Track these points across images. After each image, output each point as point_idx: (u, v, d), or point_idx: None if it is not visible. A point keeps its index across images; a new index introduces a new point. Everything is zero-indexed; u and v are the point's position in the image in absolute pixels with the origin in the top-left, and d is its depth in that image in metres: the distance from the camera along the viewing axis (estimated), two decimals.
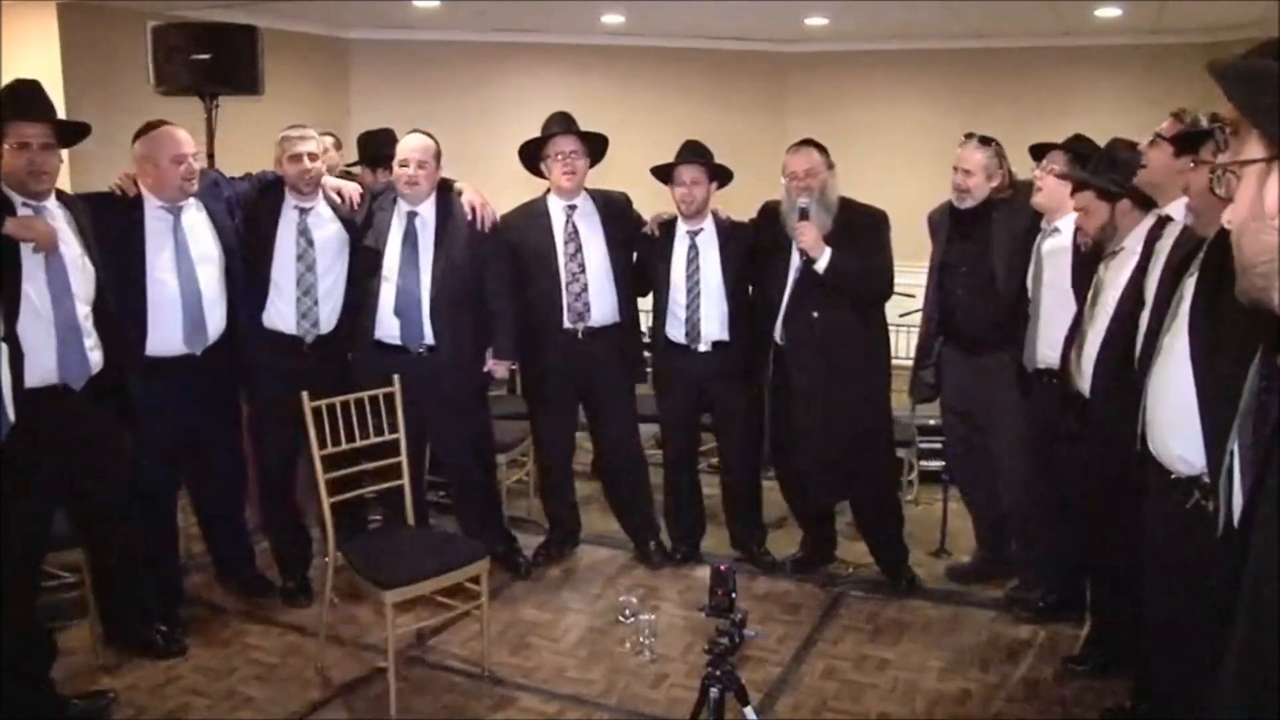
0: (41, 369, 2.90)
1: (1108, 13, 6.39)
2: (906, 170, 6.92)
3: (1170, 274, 2.49)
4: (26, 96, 2.97)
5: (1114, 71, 7.34)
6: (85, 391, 3.03)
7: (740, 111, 7.82)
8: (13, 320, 2.77)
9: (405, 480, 3.48)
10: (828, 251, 3.69)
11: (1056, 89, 7.37)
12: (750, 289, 4.04)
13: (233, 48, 4.84)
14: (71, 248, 3.02)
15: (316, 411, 3.27)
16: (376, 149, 4.73)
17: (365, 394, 3.42)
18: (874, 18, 6.93)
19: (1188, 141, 2.52)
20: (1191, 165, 2.43)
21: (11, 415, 2.71)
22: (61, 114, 3.42)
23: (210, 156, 4.65)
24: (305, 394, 3.27)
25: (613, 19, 7.06)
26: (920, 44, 7.70)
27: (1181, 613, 2.31)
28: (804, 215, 3.71)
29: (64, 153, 3.10)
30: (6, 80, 3.11)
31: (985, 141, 3.68)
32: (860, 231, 3.78)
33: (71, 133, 3.10)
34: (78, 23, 5.70)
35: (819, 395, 3.77)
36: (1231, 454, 1.87)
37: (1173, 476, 2.35)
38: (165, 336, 3.38)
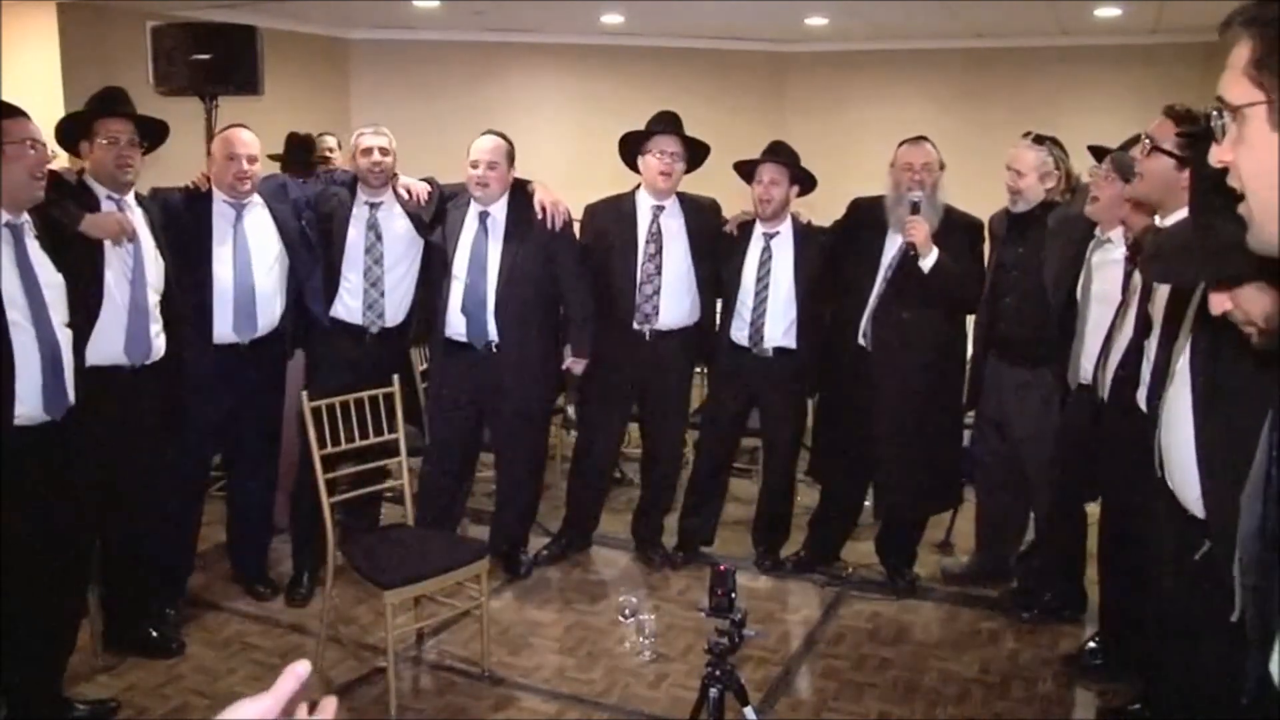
0: (110, 350, 3.10)
1: (1107, 13, 6.39)
2: None
3: (1178, 292, 2.31)
4: (114, 98, 3.27)
5: (1113, 71, 7.35)
6: (143, 376, 3.20)
7: (740, 111, 7.82)
8: (81, 308, 2.92)
9: (405, 480, 3.48)
10: (935, 250, 3.58)
11: (1056, 89, 7.37)
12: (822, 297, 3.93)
13: (233, 48, 4.85)
14: (146, 240, 3.24)
15: (316, 411, 3.28)
16: (299, 154, 4.78)
17: (365, 394, 3.42)
18: (874, 18, 6.93)
19: (1193, 147, 2.27)
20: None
21: (71, 397, 2.79)
22: (61, 114, 3.57)
23: (209, 157, 4.64)
24: (305, 394, 3.29)
25: (612, 19, 7.06)
26: (920, 44, 7.70)
27: (1192, 624, 2.25)
28: (915, 209, 3.59)
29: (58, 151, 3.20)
30: (7, 80, 3.20)
31: (1040, 140, 3.54)
32: (958, 239, 3.69)
33: (154, 130, 3.33)
34: (78, 23, 5.70)
35: (909, 401, 3.68)
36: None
37: (1187, 515, 2.18)
38: (218, 325, 3.53)
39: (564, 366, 4.00)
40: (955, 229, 3.71)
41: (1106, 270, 3.20)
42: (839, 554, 4.19)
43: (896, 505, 3.94)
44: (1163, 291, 2.38)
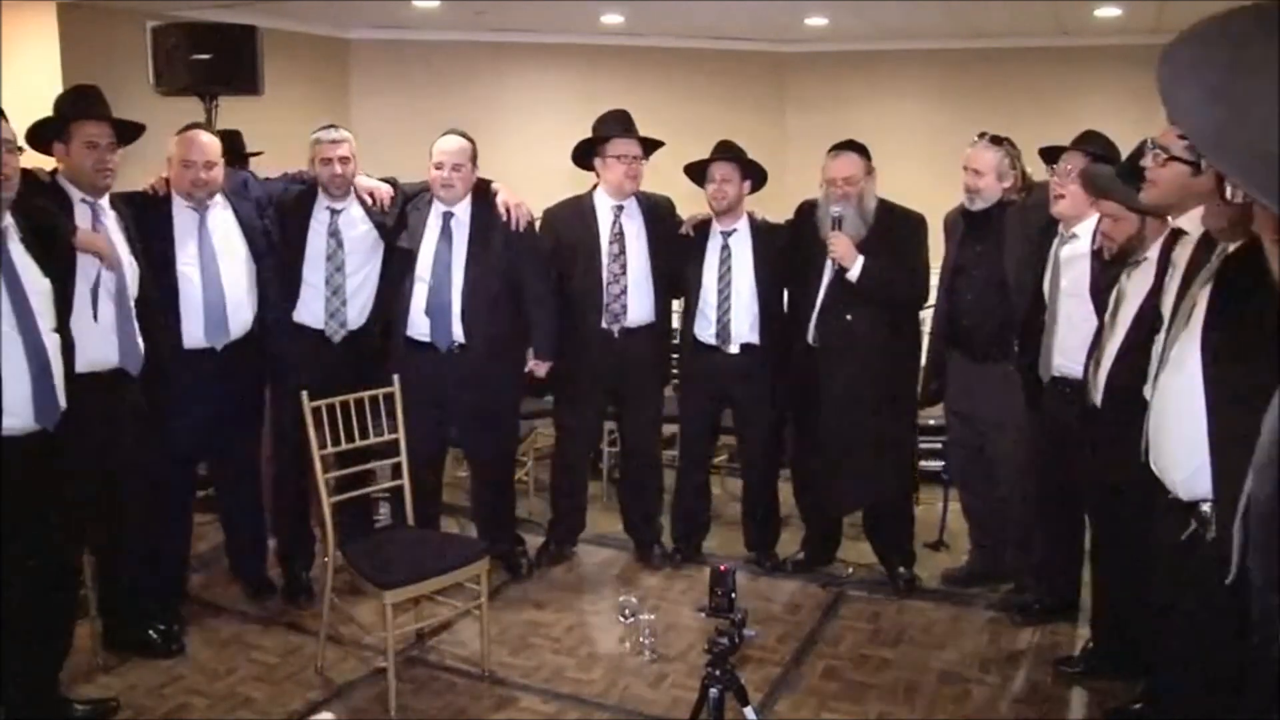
0: (101, 355, 3.07)
1: (1107, 13, 6.39)
2: (906, 170, 6.87)
3: (1185, 283, 2.33)
4: (90, 99, 3.19)
5: (1114, 71, 7.33)
6: (124, 381, 3.17)
7: (740, 111, 7.81)
8: (66, 315, 2.88)
9: (405, 480, 3.48)
10: (860, 261, 3.67)
11: (1056, 89, 7.36)
12: (784, 292, 4.01)
13: (233, 48, 4.85)
14: (122, 246, 3.20)
15: (316, 411, 3.28)
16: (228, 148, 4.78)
17: (365, 394, 3.42)
18: (874, 18, 6.92)
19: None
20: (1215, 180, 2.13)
21: (63, 402, 2.76)
22: None
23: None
24: (304, 393, 3.28)
25: (612, 19, 7.06)
26: (920, 44, 7.69)
27: (1182, 636, 2.28)
28: (837, 224, 3.69)
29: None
30: (7, 80, 3.17)
31: (997, 141, 3.61)
32: (897, 235, 3.75)
33: (129, 132, 3.25)
34: (78, 23, 5.70)
35: (849, 398, 3.74)
36: (1247, 499, 1.77)
37: (1170, 496, 2.26)
38: (187, 330, 3.47)
39: (526, 369, 3.99)
40: (894, 226, 3.78)
41: (1074, 264, 3.27)
42: (839, 554, 4.19)
43: (837, 498, 3.98)
44: (1172, 288, 2.41)
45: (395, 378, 3.47)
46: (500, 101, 7.53)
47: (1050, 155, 3.42)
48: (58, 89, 5.51)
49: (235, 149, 4.51)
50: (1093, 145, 3.29)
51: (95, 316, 3.05)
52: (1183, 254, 2.45)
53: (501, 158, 6.26)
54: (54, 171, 3.18)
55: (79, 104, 3.17)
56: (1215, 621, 2.08)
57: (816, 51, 8.01)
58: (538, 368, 3.99)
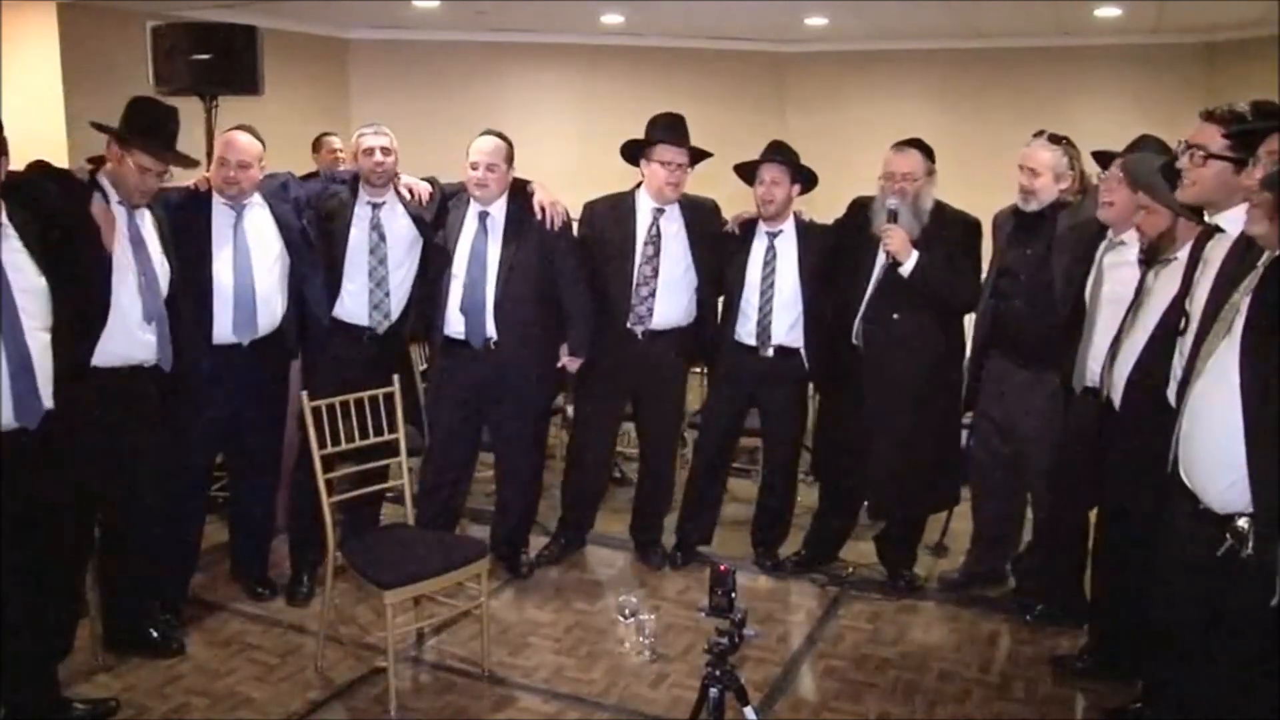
0: (134, 352, 3.15)
1: (1107, 13, 6.39)
2: None
3: (1222, 288, 2.21)
4: (158, 121, 3.21)
5: (1114, 71, 7.35)
6: (145, 377, 3.21)
7: (740, 111, 7.82)
8: (85, 311, 2.93)
9: (405, 480, 3.48)
10: (914, 255, 3.60)
11: (1056, 89, 7.37)
12: (828, 295, 3.92)
13: (233, 48, 4.85)
14: (155, 248, 3.25)
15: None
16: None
17: (365, 394, 3.42)
18: (874, 18, 6.93)
19: (1244, 143, 2.19)
20: (1260, 164, 2.09)
21: (47, 403, 2.74)
22: (61, 114, 3.50)
23: (209, 156, 4.66)
24: (304, 394, 3.29)
25: (612, 19, 7.07)
26: (920, 44, 7.70)
27: (1198, 647, 2.23)
28: (893, 217, 3.63)
29: None
30: (7, 80, 3.15)
31: (1055, 140, 3.51)
32: (951, 237, 3.69)
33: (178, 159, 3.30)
34: (78, 23, 5.70)
35: (897, 401, 3.67)
36: None
37: (1201, 507, 2.15)
38: (217, 325, 3.52)
39: (559, 364, 4.01)
40: (948, 228, 3.71)
41: (1119, 272, 3.17)
42: (839, 554, 4.19)
43: (887, 505, 3.94)
44: (1203, 288, 2.33)
45: (395, 378, 3.47)
46: (500, 101, 7.53)
47: (1104, 160, 3.30)
48: (58, 89, 5.54)
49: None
50: (1146, 148, 3.15)
51: (139, 314, 3.13)
52: (1216, 251, 2.35)
53: None
54: (96, 163, 3.21)
55: (141, 122, 3.19)
56: (1257, 642, 2.03)
57: (816, 51, 8.02)
58: (570, 363, 4.00)
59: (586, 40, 7.69)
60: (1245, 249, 2.18)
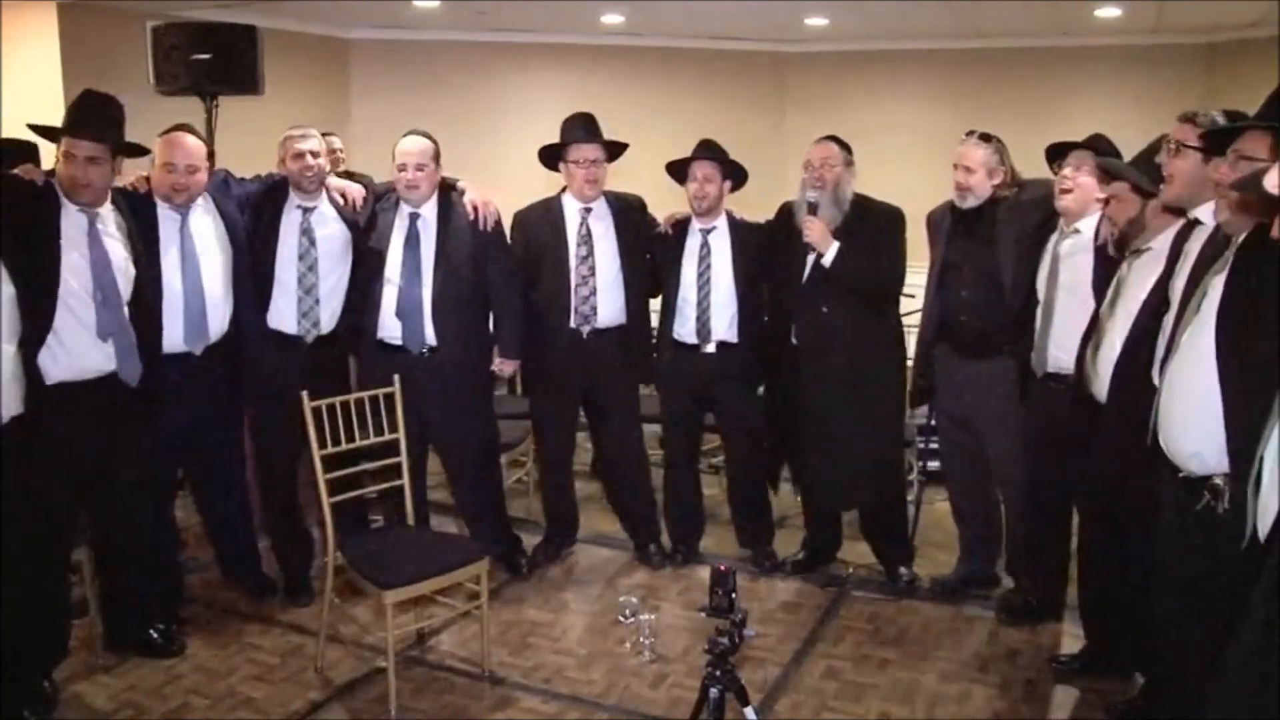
0: (94, 363, 3.05)
1: (1107, 13, 6.38)
2: (906, 170, 6.89)
3: (1196, 273, 2.41)
4: (82, 109, 3.07)
5: (1114, 71, 7.34)
6: (114, 383, 3.12)
7: (740, 111, 7.81)
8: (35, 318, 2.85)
9: (405, 480, 3.48)
10: (834, 246, 3.71)
11: (1056, 89, 7.36)
12: (764, 291, 4.03)
13: (233, 48, 4.84)
14: (118, 252, 3.13)
15: (316, 411, 3.28)
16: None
17: (365, 394, 3.42)
18: (874, 18, 6.92)
19: (1216, 141, 2.36)
20: (1228, 161, 2.25)
21: (13, 408, 2.73)
22: (61, 114, 3.44)
23: (210, 156, 4.65)
24: (305, 394, 3.28)
25: (613, 19, 7.06)
26: (920, 44, 7.69)
27: (1188, 614, 2.31)
28: (813, 209, 3.74)
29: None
30: (7, 80, 3.13)
31: (986, 138, 3.64)
32: (873, 228, 3.78)
33: (127, 147, 3.17)
34: (78, 23, 5.70)
35: (833, 395, 3.76)
36: (1261, 461, 1.87)
37: (1181, 475, 2.32)
38: (167, 334, 3.40)
39: (492, 368, 3.97)
40: (869, 218, 3.80)
41: (1076, 259, 3.28)
42: (838, 554, 4.20)
43: (831, 497, 4.00)
44: (1183, 277, 2.50)
45: (396, 378, 3.47)
46: (500, 101, 7.53)
47: (1055, 153, 3.42)
48: (58, 89, 5.53)
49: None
50: (1100, 145, 3.30)
51: (90, 323, 3.01)
52: (1195, 244, 2.54)
53: (501, 157, 6.27)
54: (51, 173, 3.09)
55: (70, 114, 3.07)
56: (1226, 586, 2.12)
57: (816, 51, 8.01)
58: (503, 367, 3.97)
59: (586, 40, 7.68)
60: (1219, 238, 2.40)
